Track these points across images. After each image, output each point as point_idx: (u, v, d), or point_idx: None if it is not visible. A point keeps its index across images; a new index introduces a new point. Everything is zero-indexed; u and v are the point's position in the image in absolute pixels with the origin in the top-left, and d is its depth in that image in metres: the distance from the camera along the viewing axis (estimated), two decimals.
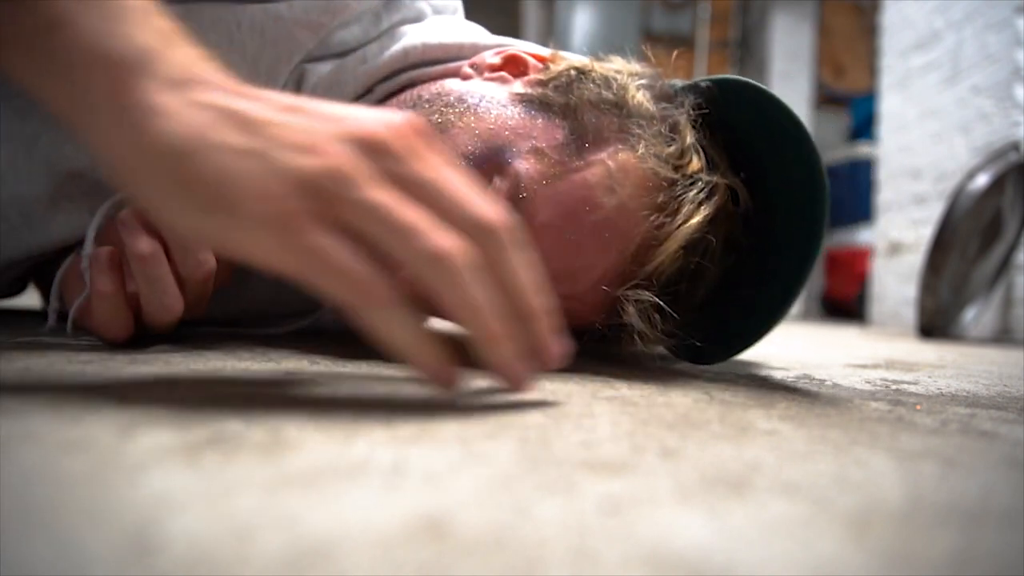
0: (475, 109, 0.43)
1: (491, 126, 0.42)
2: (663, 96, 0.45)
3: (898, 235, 2.01)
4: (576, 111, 0.42)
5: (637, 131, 0.42)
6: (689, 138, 0.43)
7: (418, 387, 0.33)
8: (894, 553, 0.15)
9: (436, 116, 0.44)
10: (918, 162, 1.93)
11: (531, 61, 0.47)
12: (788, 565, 0.14)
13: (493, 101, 0.44)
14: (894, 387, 0.46)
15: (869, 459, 0.24)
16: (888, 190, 2.07)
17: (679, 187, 0.41)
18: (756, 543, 0.15)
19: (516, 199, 0.41)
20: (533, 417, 0.27)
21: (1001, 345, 1.27)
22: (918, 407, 0.37)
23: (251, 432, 0.22)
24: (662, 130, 0.42)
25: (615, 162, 0.41)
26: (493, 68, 0.47)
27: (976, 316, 1.53)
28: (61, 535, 0.14)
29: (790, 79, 3.77)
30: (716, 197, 0.42)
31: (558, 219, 0.41)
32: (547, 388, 0.35)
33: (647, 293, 0.41)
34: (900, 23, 2.03)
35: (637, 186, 0.41)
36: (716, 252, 0.43)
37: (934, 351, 0.95)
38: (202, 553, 0.13)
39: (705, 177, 0.42)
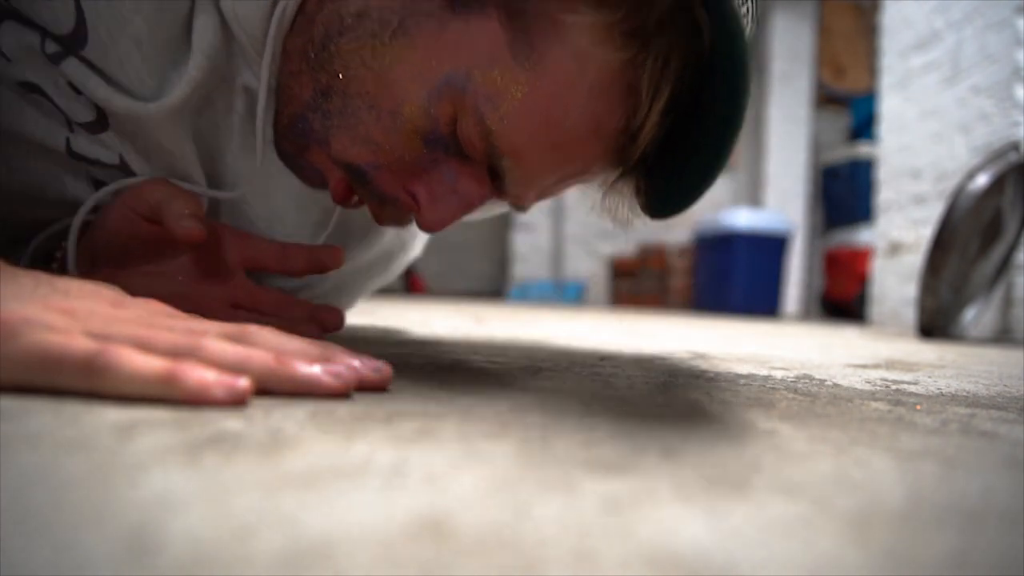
0: (405, 30, 0.39)
1: (426, 51, 0.39)
2: None
3: (898, 235, 2.01)
4: None
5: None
6: None
7: (418, 386, 0.32)
8: (894, 553, 0.15)
9: (368, 53, 0.39)
10: (918, 162, 1.93)
11: None
12: (788, 565, 0.14)
13: (418, 11, 0.39)
14: (894, 387, 0.46)
15: (869, 459, 0.24)
16: (888, 190, 2.07)
17: (640, 59, 0.38)
18: (756, 543, 0.15)
19: (487, 136, 0.39)
20: (533, 417, 0.27)
21: (1001, 345, 1.27)
22: (918, 407, 0.37)
23: (251, 432, 0.22)
24: None
25: (570, 52, 0.38)
26: None
27: (976, 316, 1.53)
28: (61, 535, 0.14)
29: (790, 79, 3.77)
30: (673, 63, 0.38)
31: (538, 135, 0.39)
32: (547, 388, 0.35)
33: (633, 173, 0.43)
34: (900, 23, 2.03)
35: (599, 75, 0.38)
36: (691, 94, 0.40)
37: (934, 351, 0.95)
38: (202, 553, 0.13)
39: (659, 41, 0.38)
